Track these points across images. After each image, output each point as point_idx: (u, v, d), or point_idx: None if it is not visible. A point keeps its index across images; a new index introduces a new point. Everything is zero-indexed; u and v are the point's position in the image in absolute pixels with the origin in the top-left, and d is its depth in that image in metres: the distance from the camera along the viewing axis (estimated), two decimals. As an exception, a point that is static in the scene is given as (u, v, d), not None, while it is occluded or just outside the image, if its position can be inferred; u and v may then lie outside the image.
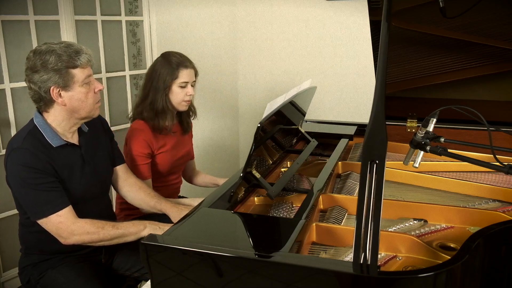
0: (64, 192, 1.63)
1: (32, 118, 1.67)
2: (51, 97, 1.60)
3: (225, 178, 2.31)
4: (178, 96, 2.07)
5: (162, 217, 1.85)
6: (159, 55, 2.15)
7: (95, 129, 1.81)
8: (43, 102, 1.62)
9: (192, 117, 2.27)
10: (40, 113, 1.67)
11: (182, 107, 2.12)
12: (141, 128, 2.05)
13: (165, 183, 2.20)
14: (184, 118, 2.22)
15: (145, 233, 1.62)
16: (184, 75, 2.07)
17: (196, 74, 2.13)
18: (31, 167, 1.56)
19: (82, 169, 1.71)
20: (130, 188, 1.91)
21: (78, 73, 1.60)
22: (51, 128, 1.65)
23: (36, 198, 1.58)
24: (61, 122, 1.66)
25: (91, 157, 1.76)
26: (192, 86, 2.11)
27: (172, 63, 2.06)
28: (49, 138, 1.63)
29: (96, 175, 1.76)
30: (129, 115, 2.18)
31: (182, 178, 2.39)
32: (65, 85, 1.59)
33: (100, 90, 1.69)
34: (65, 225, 1.59)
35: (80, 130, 1.75)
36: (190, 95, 2.10)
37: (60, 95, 1.60)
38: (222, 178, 2.36)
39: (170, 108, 2.09)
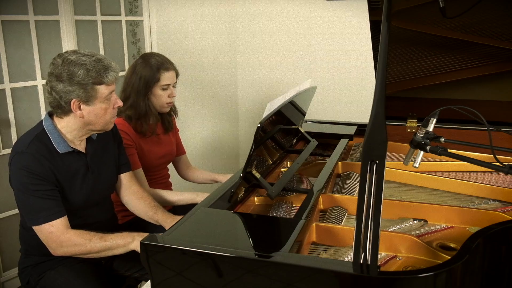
0: (61, 201, 1.61)
1: (41, 121, 1.65)
2: (70, 108, 1.58)
3: (223, 174, 2.32)
4: (161, 98, 2.08)
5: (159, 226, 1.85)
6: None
7: (104, 136, 1.79)
8: (61, 110, 1.61)
9: (174, 116, 2.29)
10: (51, 116, 1.66)
11: (165, 109, 2.14)
12: (122, 124, 2.04)
13: (153, 181, 2.20)
14: (165, 118, 2.22)
15: (133, 246, 1.57)
16: (166, 77, 2.07)
17: (177, 75, 2.13)
18: (32, 172, 1.55)
19: (84, 176, 1.70)
20: (132, 196, 1.90)
21: (102, 90, 1.59)
22: (60, 134, 1.63)
23: (32, 204, 1.57)
24: (73, 130, 1.65)
25: (97, 165, 1.75)
26: (173, 87, 2.12)
27: (153, 65, 2.05)
28: (56, 144, 1.61)
29: (99, 182, 1.75)
30: None
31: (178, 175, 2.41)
32: (87, 100, 1.58)
33: (120, 106, 1.69)
34: (55, 235, 1.58)
35: (88, 137, 1.73)
36: (173, 96, 2.11)
37: (80, 107, 1.59)
38: (220, 174, 2.36)
39: (153, 111, 2.10)
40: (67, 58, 1.56)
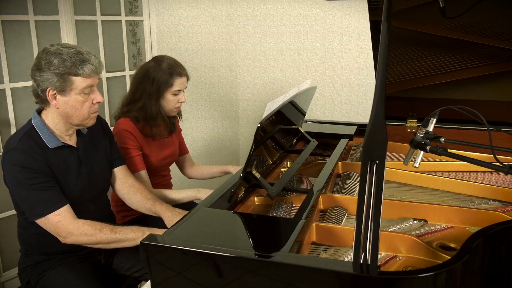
0: (60, 192, 1.62)
1: (31, 119, 1.66)
2: (46, 97, 1.59)
3: (233, 166, 2.34)
4: (170, 103, 2.08)
5: (158, 219, 1.85)
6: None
7: (94, 131, 1.81)
8: (39, 99, 1.63)
9: (178, 119, 2.29)
10: (39, 114, 1.67)
11: (173, 113, 2.14)
12: (128, 125, 2.04)
13: (154, 182, 2.20)
14: (171, 121, 2.22)
15: None
16: (179, 83, 2.07)
17: (187, 80, 2.13)
18: (26, 167, 1.55)
19: (78, 171, 1.70)
20: (128, 190, 1.90)
21: (78, 81, 1.59)
22: (48, 129, 1.64)
23: (32, 198, 1.57)
24: (57, 123, 1.66)
25: (89, 159, 1.75)
26: (183, 92, 2.12)
27: (166, 70, 2.04)
28: (46, 139, 1.62)
29: (93, 177, 1.75)
30: (115, 113, 2.17)
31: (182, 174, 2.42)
32: (62, 90, 1.58)
33: (99, 102, 1.67)
34: (64, 224, 1.59)
35: (79, 132, 1.74)
36: (182, 102, 2.11)
37: (55, 97, 1.59)
38: (229, 165, 2.37)
39: (162, 113, 2.10)
40: (47, 49, 1.59)
